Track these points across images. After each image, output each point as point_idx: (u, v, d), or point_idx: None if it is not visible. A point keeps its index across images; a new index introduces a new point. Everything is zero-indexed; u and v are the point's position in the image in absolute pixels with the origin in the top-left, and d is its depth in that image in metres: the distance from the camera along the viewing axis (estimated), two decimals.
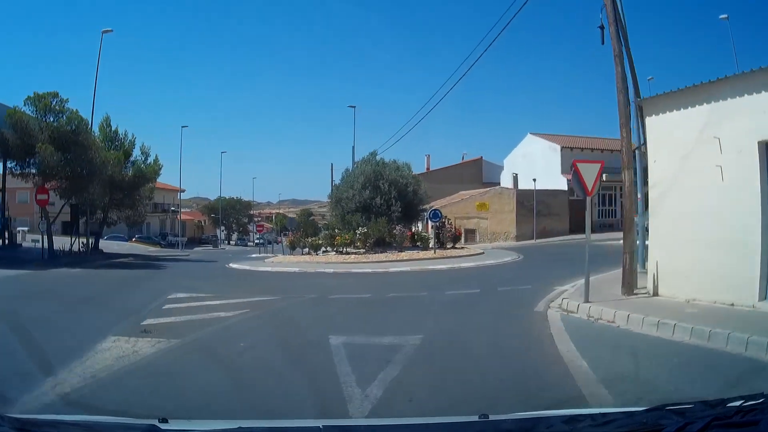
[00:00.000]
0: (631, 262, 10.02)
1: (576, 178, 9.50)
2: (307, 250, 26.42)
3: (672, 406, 1.81)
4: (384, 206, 26.66)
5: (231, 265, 22.83)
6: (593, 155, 40.81)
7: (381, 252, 23.75)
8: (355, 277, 16.90)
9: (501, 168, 48.51)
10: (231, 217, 73.75)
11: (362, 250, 24.35)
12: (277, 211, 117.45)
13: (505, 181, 44.32)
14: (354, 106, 41.39)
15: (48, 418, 2.06)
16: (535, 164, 40.44)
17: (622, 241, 10.33)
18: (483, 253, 24.98)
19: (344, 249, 24.69)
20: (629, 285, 9.82)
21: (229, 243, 67.78)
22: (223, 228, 70.12)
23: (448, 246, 27.28)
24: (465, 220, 34.66)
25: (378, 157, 29.53)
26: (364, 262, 21.33)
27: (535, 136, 44.82)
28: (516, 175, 41.62)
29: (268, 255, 31.08)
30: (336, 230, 26.64)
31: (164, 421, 1.88)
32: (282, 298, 11.57)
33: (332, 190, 30.38)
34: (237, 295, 11.61)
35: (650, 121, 10.00)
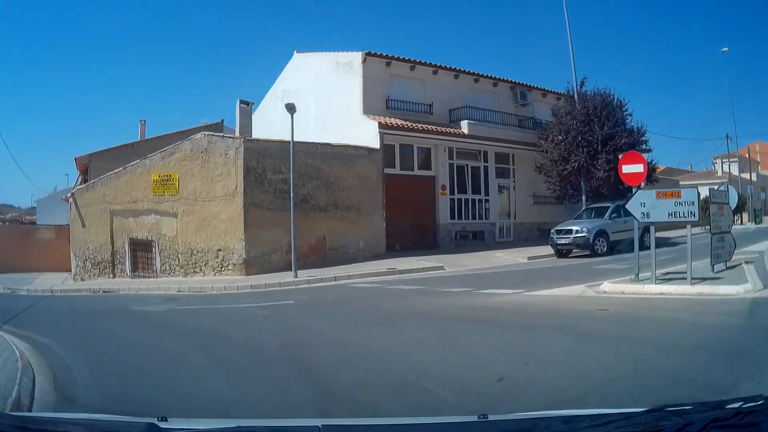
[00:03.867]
0: None
1: None
2: None
3: (671, 407, 1.82)
4: None
5: None
6: (439, 78, 20.41)
7: None
8: None
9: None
10: None
11: None
12: None
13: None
14: None
15: (48, 416, 2.07)
16: (309, 106, 19.20)
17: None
18: None
19: None
20: None
21: None
22: None
23: None
24: (133, 219, 16.54)
25: None
26: None
27: (307, 54, 22.37)
28: (247, 105, 17.21)
29: None
30: None
31: (164, 419, 1.90)
32: None
33: None
34: None
35: None
